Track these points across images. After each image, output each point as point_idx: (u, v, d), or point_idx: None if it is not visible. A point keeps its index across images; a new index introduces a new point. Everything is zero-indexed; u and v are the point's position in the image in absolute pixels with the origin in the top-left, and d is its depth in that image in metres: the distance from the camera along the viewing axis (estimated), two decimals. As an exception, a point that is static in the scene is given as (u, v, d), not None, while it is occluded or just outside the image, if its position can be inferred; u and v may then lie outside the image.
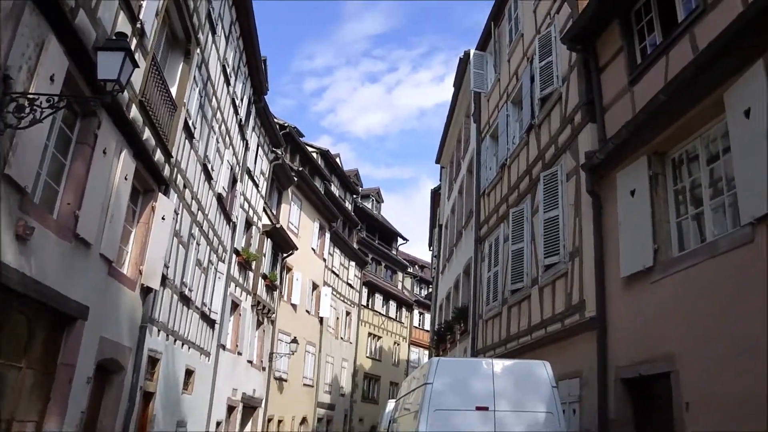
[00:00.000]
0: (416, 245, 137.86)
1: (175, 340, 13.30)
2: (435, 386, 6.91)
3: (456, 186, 21.61)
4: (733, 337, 6.04)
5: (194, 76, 12.53)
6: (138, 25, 8.71)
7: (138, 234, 10.44)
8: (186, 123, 12.24)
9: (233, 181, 18.02)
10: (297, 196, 27.04)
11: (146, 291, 10.72)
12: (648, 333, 7.55)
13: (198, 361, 15.56)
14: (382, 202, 46.08)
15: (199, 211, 14.31)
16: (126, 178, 9.18)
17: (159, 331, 11.96)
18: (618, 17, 9.24)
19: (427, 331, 46.24)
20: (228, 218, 17.56)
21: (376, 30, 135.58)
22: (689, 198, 7.53)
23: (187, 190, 13.03)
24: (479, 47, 17.45)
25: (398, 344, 42.68)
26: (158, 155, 10.40)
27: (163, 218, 10.83)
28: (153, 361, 11.86)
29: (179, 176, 12.30)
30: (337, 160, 36.04)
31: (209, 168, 14.67)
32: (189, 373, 14.88)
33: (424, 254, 69.36)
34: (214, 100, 14.82)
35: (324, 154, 33.51)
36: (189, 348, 14.57)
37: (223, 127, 16.07)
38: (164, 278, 11.78)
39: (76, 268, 7.72)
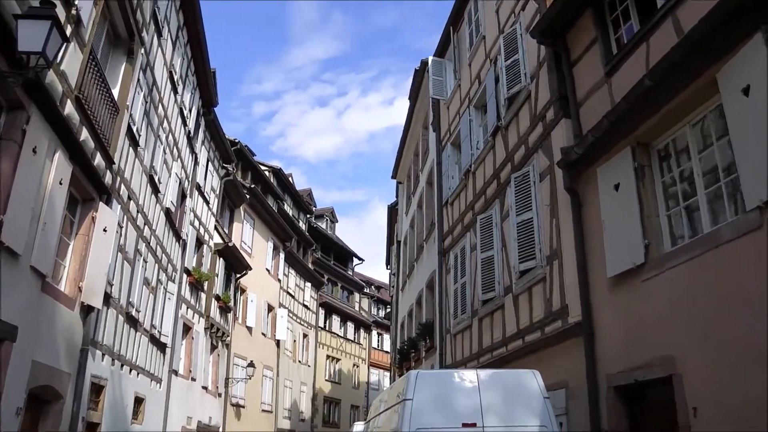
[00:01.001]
0: (371, 266, 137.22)
1: (122, 365, 12.20)
2: (415, 402, 6.16)
3: (414, 200, 21.02)
4: (741, 332, 5.51)
5: (138, 79, 11.63)
6: (73, 12, 7.83)
7: (77, 247, 9.44)
8: (130, 129, 11.31)
9: (182, 197, 17.03)
10: (249, 215, 26.06)
11: (87, 310, 9.69)
12: (642, 336, 6.98)
13: (148, 388, 14.42)
14: (337, 222, 45.29)
15: (146, 226, 13.31)
16: (61, 183, 8.22)
17: (103, 355, 10.89)
18: (591, 6, 8.81)
19: (387, 352, 45.39)
20: (177, 235, 16.53)
21: (325, 54, 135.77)
22: (680, 189, 7.04)
23: (132, 202, 12.05)
24: (437, 54, 17.00)
25: (357, 366, 41.64)
26: (98, 160, 9.46)
27: (105, 230, 9.85)
28: (97, 389, 10.76)
29: (123, 186, 11.33)
30: (290, 179, 35.18)
31: (156, 180, 13.70)
32: (138, 401, 13.74)
33: (380, 275, 68.72)
34: (160, 107, 13.91)
35: (276, 172, 32.62)
36: (138, 374, 13.45)
37: (170, 137, 15.13)
38: (108, 297, 10.75)
39: (1, 282, 6.73)
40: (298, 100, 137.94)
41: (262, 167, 30.33)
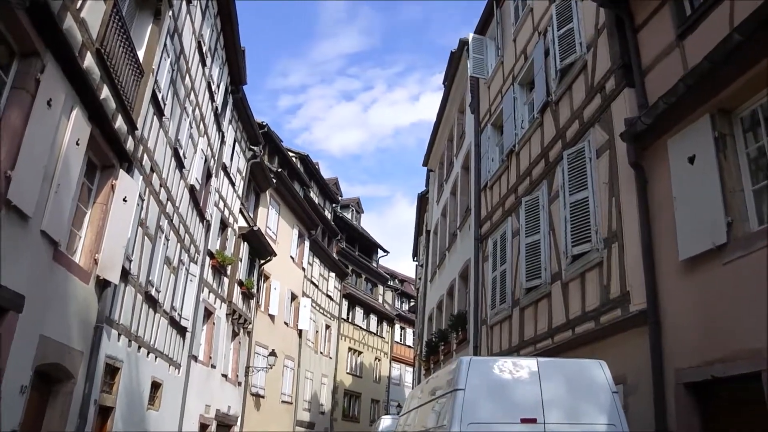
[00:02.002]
0: (394, 262, 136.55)
1: (140, 347, 11.60)
2: (468, 393, 5.37)
3: (448, 187, 20.20)
4: None
5: (165, 43, 10.98)
6: (94, -46, 7.16)
7: (94, 216, 8.80)
8: (155, 95, 10.67)
9: (207, 176, 16.41)
10: (275, 200, 25.42)
11: (103, 285, 9.06)
12: (722, 326, 6.12)
13: (166, 373, 13.83)
14: (362, 212, 44.57)
15: (169, 202, 12.68)
16: (78, 144, 7.56)
17: (119, 335, 10.27)
18: (661, -37, 7.91)
19: (410, 346, 44.72)
20: (201, 215, 15.90)
21: (352, 48, 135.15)
22: (770, 160, 6.16)
23: (154, 174, 11.42)
24: (478, 31, 16.13)
25: (379, 360, 40.93)
26: (120, 123, 8.80)
27: (125, 200, 9.20)
28: (112, 370, 10.15)
29: (146, 156, 10.70)
30: (317, 166, 34.50)
31: (181, 154, 13.07)
32: (156, 386, 13.15)
33: (403, 270, 67.98)
34: (187, 78, 13.26)
35: (304, 159, 31.96)
36: (156, 357, 12.85)
37: (197, 111, 14.49)
38: (126, 273, 10.13)
39: (7, 245, 6.07)
40: (323, 94, 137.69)
41: (290, 153, 29.68)
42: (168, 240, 12.78)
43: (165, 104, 11.45)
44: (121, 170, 9.20)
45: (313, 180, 33.28)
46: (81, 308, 8.39)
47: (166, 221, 12.53)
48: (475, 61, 15.44)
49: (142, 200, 10.67)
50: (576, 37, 10.00)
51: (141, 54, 9.88)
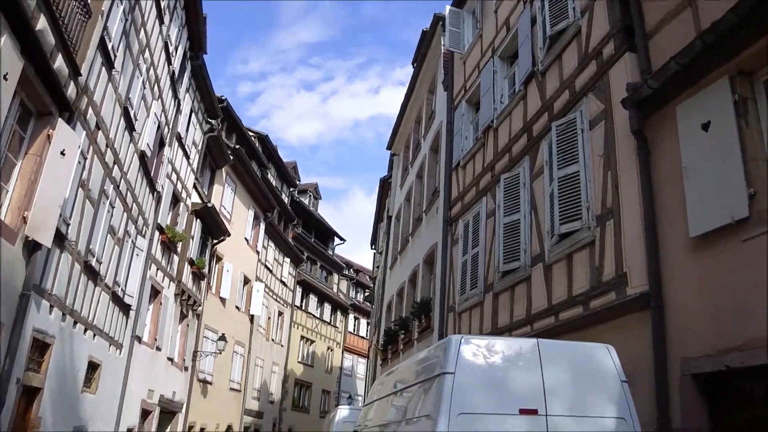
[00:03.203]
0: (350, 253, 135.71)
1: (75, 323, 10.47)
2: (458, 377, 4.55)
3: (413, 170, 19.42)
4: None
5: (117, -13, 9.84)
6: None
7: (25, 168, 7.69)
8: (104, 43, 9.55)
9: (160, 144, 15.24)
10: (231, 178, 24.24)
11: (33, 248, 7.96)
12: (738, 310, 5.44)
13: (106, 354, 12.69)
14: (320, 198, 43.56)
15: (116, 166, 11.53)
16: (6, 78, 6.46)
17: (51, 307, 9.15)
18: None
19: (363, 337, 43.98)
20: (152, 185, 14.74)
21: (313, 38, 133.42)
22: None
23: (100, 132, 10.29)
24: (455, 4, 15.32)
25: (332, 350, 40.01)
26: (60, 63, 7.70)
27: (62, 153, 8.10)
28: (41, 347, 9.03)
29: (91, 110, 9.57)
30: (276, 149, 33.30)
31: (132, 115, 11.93)
32: (93, 366, 12.03)
33: (359, 261, 67.18)
34: (142, 33, 12.11)
35: (263, 139, 30.76)
36: (94, 335, 11.73)
37: (152, 72, 13.34)
38: (62, 237, 9.02)
39: None
40: (283, 83, 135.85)
41: (249, 133, 28.45)
42: (113, 207, 11.65)
43: (115, 56, 10.33)
44: (60, 119, 8.10)
45: (272, 162, 32.09)
46: (4, 272, 7.27)
47: (112, 186, 11.39)
48: (452, 35, 14.66)
49: (84, 158, 9.55)
50: (569, 1, 9.27)
51: (89, -8, 8.76)
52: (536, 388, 4.67)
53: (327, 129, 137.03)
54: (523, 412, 4.55)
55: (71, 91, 8.19)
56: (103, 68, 9.83)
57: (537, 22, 10.37)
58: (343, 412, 12.21)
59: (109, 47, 9.86)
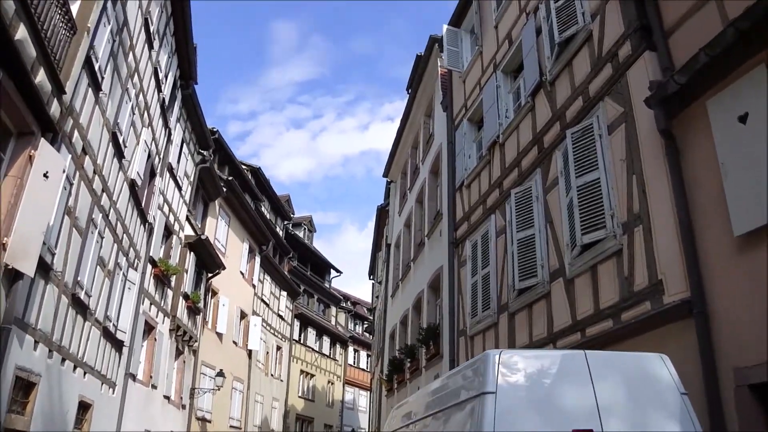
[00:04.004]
0: (346, 286, 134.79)
1: (64, 360, 9.80)
2: (500, 398, 3.97)
3: (412, 195, 18.94)
4: None
5: (105, 5, 9.40)
6: None
7: (4, 191, 7.11)
8: (90, 61, 9.07)
9: (151, 174, 14.71)
10: (225, 211, 23.69)
11: (13, 278, 7.34)
12: (798, 313, 4.91)
13: (98, 393, 11.97)
14: (315, 231, 42.93)
15: (105, 194, 10.98)
16: (-18, 90, 5.96)
17: (36, 342, 8.50)
18: None
19: (364, 369, 43.05)
20: (143, 216, 14.16)
21: (302, 76, 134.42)
22: None
23: (87, 157, 9.76)
24: (452, 24, 15.01)
25: (332, 383, 39.02)
26: (42, 78, 7.20)
27: (46, 176, 7.54)
28: (25, 386, 8.35)
29: (77, 133, 9.05)
30: (269, 182, 32.82)
31: (120, 141, 11.42)
32: (84, 407, 11.31)
33: (355, 294, 66.37)
34: (131, 56, 11.67)
35: (255, 171, 30.28)
36: (85, 373, 11.04)
37: (141, 98, 12.87)
38: (47, 268, 8.41)
39: None
40: (273, 121, 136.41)
41: (242, 166, 27.97)
42: (102, 238, 11.06)
43: (103, 77, 9.86)
44: (42, 139, 7.56)
45: (265, 195, 31.55)
46: (-17, 304, 6.67)
47: (101, 215, 10.82)
48: (450, 54, 14.31)
49: (71, 184, 8.99)
50: (577, 6, 8.89)
51: (75, 8, 8.32)
52: (589, 405, 4.09)
53: (317, 166, 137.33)
54: (576, 432, 3.97)
55: (54, 109, 7.68)
56: (90, 89, 9.34)
57: (542, 32, 10.01)
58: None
59: (96, 67, 9.39)
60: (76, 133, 8.97)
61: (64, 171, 8.25)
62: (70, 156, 8.73)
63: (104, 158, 10.65)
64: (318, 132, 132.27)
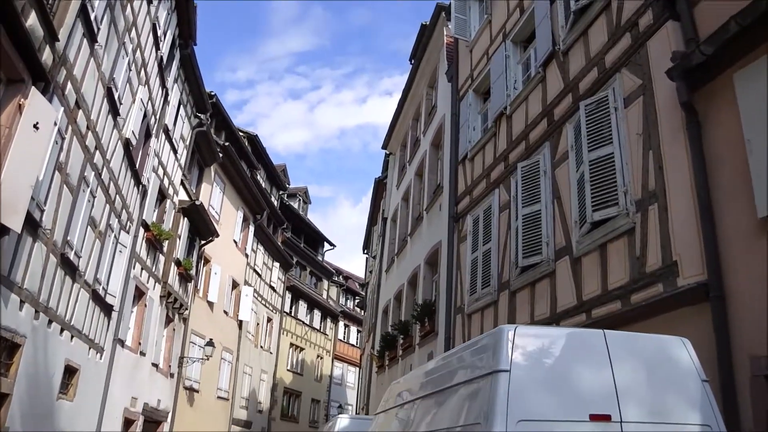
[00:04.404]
0: (339, 260, 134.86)
1: (50, 322, 9.51)
2: (515, 377, 3.70)
3: (412, 168, 18.62)
4: None
5: (101, -48, 8.97)
6: None
7: (-9, 140, 6.77)
8: (85, 10, 8.66)
9: (147, 135, 14.31)
10: (220, 177, 23.30)
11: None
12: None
13: (85, 357, 11.72)
14: (310, 203, 42.59)
15: (98, 152, 10.62)
16: (-32, 30, 5.58)
17: (22, 302, 8.20)
18: None
19: (353, 345, 43.03)
20: (137, 178, 13.81)
21: (301, 47, 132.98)
22: None
23: (81, 112, 9.38)
24: (462, -9, 14.56)
25: (321, 358, 38.98)
26: (33, 22, 6.81)
27: (35, 127, 7.19)
28: (9, 347, 8.07)
29: (70, 85, 8.68)
30: (266, 150, 32.34)
31: (116, 97, 11.03)
32: (71, 371, 11.06)
33: (348, 267, 66.28)
34: (129, 10, 11.25)
35: (252, 139, 29.78)
36: (72, 337, 10.76)
37: (138, 54, 12.44)
38: (35, 224, 8.09)
39: None
40: (270, 91, 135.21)
41: (239, 132, 27.48)
42: (94, 197, 10.72)
43: (99, 28, 9.45)
44: (33, 88, 7.19)
45: (261, 163, 31.10)
46: (-34, 258, 6.36)
47: (93, 174, 10.47)
48: (458, 22, 13.90)
49: (62, 138, 8.63)
50: (596, -27, 8.52)
51: (69, -49, 7.90)
52: (607, 388, 3.82)
53: (313, 138, 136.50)
54: (594, 418, 3.70)
55: (47, 56, 7.31)
56: (85, 40, 8.94)
57: (556, 0, 9.64)
58: (343, 421, 11.26)
59: (92, 17, 8.98)
60: (69, 85, 8.59)
61: (55, 124, 7.90)
62: (62, 108, 8.36)
63: (98, 114, 10.28)
64: (315, 104, 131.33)
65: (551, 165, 9.00)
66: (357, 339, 44.09)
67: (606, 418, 3.72)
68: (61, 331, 10.12)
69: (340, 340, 41.93)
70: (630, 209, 6.94)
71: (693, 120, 6.25)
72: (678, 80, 6.38)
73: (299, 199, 40.48)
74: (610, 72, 7.89)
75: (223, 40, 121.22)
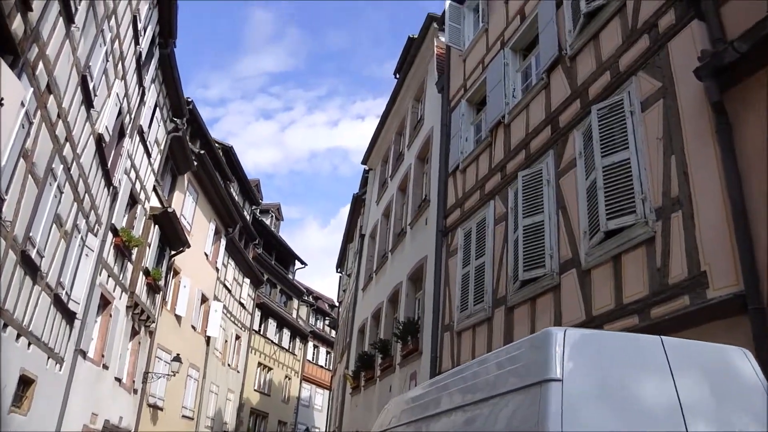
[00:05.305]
0: (308, 280, 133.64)
1: (6, 326, 8.69)
2: (568, 387, 3.11)
3: (394, 182, 18.10)
4: None
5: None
6: None
7: (-51, 113, 6.04)
8: (62, -13, 7.99)
9: (120, 134, 13.57)
10: (194, 187, 22.51)
11: (-47, 217, 6.26)
12: None
13: (43, 368, 10.86)
14: (282, 220, 41.80)
15: (68, 144, 9.88)
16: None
17: (-25, 301, 7.40)
18: None
19: (322, 366, 42.09)
20: (108, 178, 13.03)
21: (276, 68, 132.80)
22: None
23: (52, 97, 8.66)
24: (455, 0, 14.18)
25: (289, 378, 37.86)
26: (4, -15, 6.14)
27: (0, 103, 6.47)
28: (-42, 349, 7.25)
29: (41, 65, 7.97)
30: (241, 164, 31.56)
31: (90, 87, 10.31)
32: (26, 382, 10.22)
33: (316, 288, 65.30)
34: (108, -3, 10.57)
35: (227, 151, 29.05)
36: (29, 344, 9.93)
37: (116, 46, 11.77)
38: (-5, 214, 7.32)
39: None
40: (242, 110, 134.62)
41: (215, 143, 26.71)
42: (61, 193, 9.95)
43: (77, 9, 8.78)
44: (1, 60, 6.49)
45: (235, 176, 30.31)
46: None
47: (62, 167, 9.72)
48: (451, 30, 13.49)
49: (30, 123, 7.90)
50: (609, -26, 8.14)
51: None
52: (670, 402, 3.25)
53: (283, 158, 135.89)
54: (658, 437, 3.13)
55: (18, 26, 6.63)
56: (61, 18, 8.27)
57: (563, 5, 9.25)
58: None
59: (70, -4, 8.32)
60: (41, 65, 7.89)
61: (23, 104, 7.19)
62: (31, 89, 7.64)
63: (71, 102, 9.57)
64: (287, 124, 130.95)
65: (555, 174, 8.52)
66: (326, 360, 43.11)
67: (672, 437, 3.15)
68: (18, 336, 9.28)
69: (309, 361, 40.90)
70: (649, 217, 6.45)
71: (723, 121, 5.82)
72: (707, 80, 5.96)
73: (272, 215, 39.70)
74: (624, 75, 7.46)
75: (197, 54, 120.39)
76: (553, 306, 7.89)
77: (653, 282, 6.25)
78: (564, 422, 3.01)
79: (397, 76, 19.44)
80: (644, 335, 3.65)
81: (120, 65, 12.27)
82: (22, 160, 7.92)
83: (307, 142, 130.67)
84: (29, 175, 8.33)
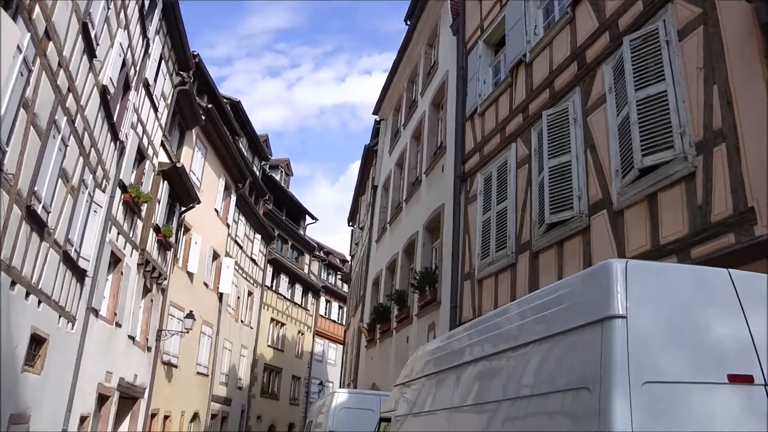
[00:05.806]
0: (321, 235, 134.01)
1: (14, 284, 8.44)
2: (634, 325, 2.80)
3: (407, 131, 17.66)
4: None
5: None
6: None
7: (-59, 56, 5.66)
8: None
9: (125, 86, 13.13)
10: (202, 142, 22.10)
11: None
12: None
13: (55, 326, 10.66)
14: (292, 175, 41.40)
15: (71, 95, 9.48)
16: None
17: (-19, 258, 7.13)
18: None
19: (335, 321, 42.29)
20: (114, 132, 12.65)
21: (281, 24, 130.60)
22: None
23: (51, 44, 8.24)
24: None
25: (302, 334, 38.07)
26: None
27: (-4, 46, 6.08)
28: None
29: (38, 8, 7.54)
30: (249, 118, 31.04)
31: (92, 36, 9.86)
32: (38, 341, 10.02)
33: (329, 244, 65.36)
34: (104, -62, 10.03)
35: (235, 105, 28.53)
36: (40, 303, 9.70)
37: (116, -7, 11.24)
38: (-3, 166, 6.99)
39: None
40: (249, 68, 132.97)
41: (223, 98, 26.18)
42: (66, 146, 9.60)
43: (71, -50, 8.29)
44: (-7, 0, 6.07)
45: (244, 131, 29.84)
46: None
47: (65, 119, 9.34)
48: (467, -32, 12.86)
49: (29, 71, 7.51)
50: None
51: None
52: (743, 341, 2.94)
53: (291, 115, 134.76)
54: (732, 379, 2.82)
55: (10, -38, 6.18)
56: (56, -40, 7.79)
57: (587, -67, 8.67)
58: (340, 396, 10.37)
59: (64, -66, 7.83)
60: (37, 9, 7.46)
61: (20, 50, 6.79)
62: (29, 34, 7.23)
63: (72, 52, 9.14)
64: (294, 82, 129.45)
65: (583, 112, 8.09)
66: (338, 315, 43.29)
67: (748, 379, 2.84)
68: (27, 295, 9.05)
69: (322, 316, 41.07)
70: (689, 152, 6.05)
71: (774, 44, 5.37)
72: (757, 0, 5.48)
73: (281, 171, 39.33)
74: (659, 3, 6.96)
75: (202, 15, 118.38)
76: (582, 249, 7.56)
77: (694, 220, 5.88)
78: (630, 363, 2.70)
79: (408, 22, 18.79)
80: (709, 268, 3.31)
81: (122, 14, 11.77)
82: (22, 110, 7.56)
83: (315, 98, 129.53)
84: (31, 127, 7.97)
